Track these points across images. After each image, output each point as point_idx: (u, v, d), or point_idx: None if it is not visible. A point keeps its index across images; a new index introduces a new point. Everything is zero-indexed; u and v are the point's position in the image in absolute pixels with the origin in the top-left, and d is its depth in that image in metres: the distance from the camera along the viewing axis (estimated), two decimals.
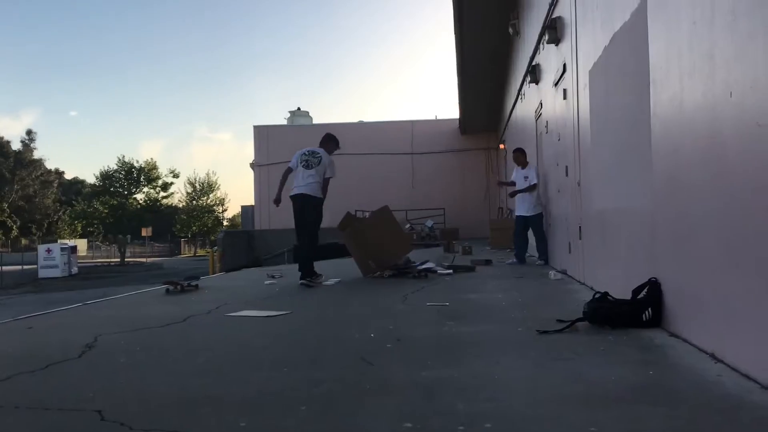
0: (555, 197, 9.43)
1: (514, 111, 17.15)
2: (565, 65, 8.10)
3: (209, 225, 65.10)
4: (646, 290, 4.30)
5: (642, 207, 4.64)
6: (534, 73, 11.23)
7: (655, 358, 3.45)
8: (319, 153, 8.63)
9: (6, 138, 61.86)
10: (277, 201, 8.68)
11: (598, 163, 6.32)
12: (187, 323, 5.28)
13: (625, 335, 4.02)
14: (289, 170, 8.72)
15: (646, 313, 4.22)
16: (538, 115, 11.33)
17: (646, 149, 4.46)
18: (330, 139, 8.96)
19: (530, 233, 11.00)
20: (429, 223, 24.79)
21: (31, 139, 64.86)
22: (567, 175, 8.05)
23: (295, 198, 8.47)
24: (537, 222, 10.67)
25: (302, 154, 8.65)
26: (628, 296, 4.39)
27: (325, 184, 8.48)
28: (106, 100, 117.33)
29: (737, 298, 3.06)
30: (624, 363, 3.34)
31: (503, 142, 22.70)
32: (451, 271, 9.38)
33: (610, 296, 4.48)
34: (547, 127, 10.13)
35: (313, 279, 8.21)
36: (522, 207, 10.83)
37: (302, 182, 8.41)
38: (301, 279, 8.21)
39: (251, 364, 3.65)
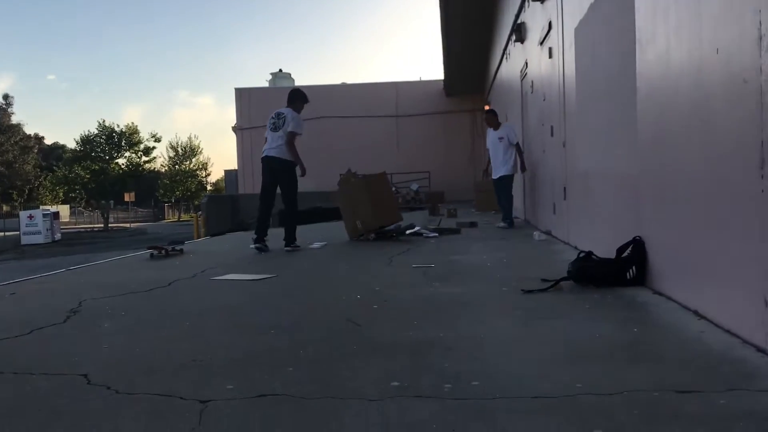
0: (540, 158, 9.44)
1: (499, 71, 17.04)
2: (550, 23, 8.03)
3: (193, 190, 64.60)
4: (630, 249, 4.34)
5: (627, 167, 4.65)
6: (519, 32, 11.13)
7: (640, 315, 3.49)
8: (284, 113, 8.36)
9: None
10: (303, 171, 8.31)
11: (583, 124, 6.31)
12: (171, 287, 5.27)
13: (610, 294, 4.06)
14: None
15: (631, 271, 4.26)
16: (524, 75, 11.27)
17: (631, 109, 4.45)
18: (296, 96, 8.61)
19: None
20: (414, 186, 24.76)
21: (9, 104, 63.76)
22: (552, 135, 8.04)
23: (263, 160, 8.36)
24: (507, 183, 10.34)
25: (270, 118, 8.51)
26: (612, 256, 4.43)
27: (289, 139, 8.16)
28: (84, 64, 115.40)
29: (720, 257, 3.08)
30: (609, 321, 3.38)
31: (489, 103, 22.57)
32: (436, 233, 9.39)
33: (595, 255, 4.51)
34: (532, 86, 10.08)
35: (294, 246, 8.15)
36: (495, 166, 10.44)
37: (271, 145, 8.26)
38: (286, 246, 8.13)
39: (237, 327, 3.65)
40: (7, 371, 2.87)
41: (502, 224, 10.23)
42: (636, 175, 4.41)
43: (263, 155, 8.35)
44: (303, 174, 8.29)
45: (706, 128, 3.19)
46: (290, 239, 8.22)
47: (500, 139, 10.28)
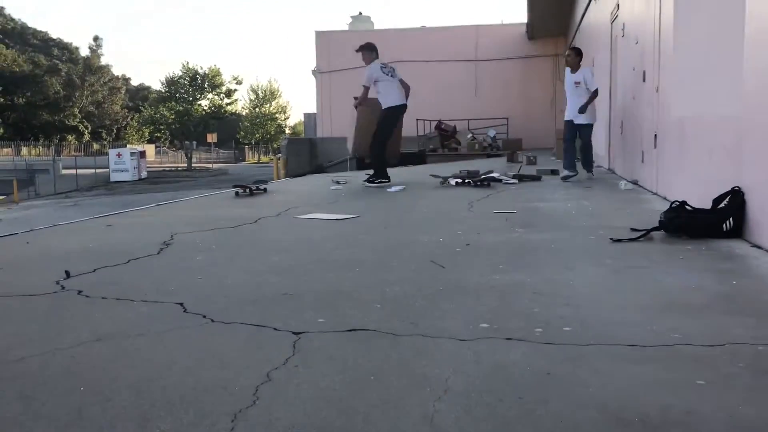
0: (629, 104, 9.06)
1: (586, 14, 16.33)
2: None
3: (272, 132, 65.62)
4: (727, 200, 4.13)
5: (729, 112, 4.39)
6: None
7: (739, 267, 3.34)
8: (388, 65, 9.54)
9: (75, 44, 62.78)
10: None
11: (680, 67, 5.98)
12: (258, 224, 5.38)
13: (704, 245, 3.90)
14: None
15: (727, 222, 4.06)
16: (614, 18, 10.76)
17: (737, 52, 4.17)
18: (363, 48, 9.58)
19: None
20: (492, 132, 24.28)
21: (98, 45, 65.80)
22: (644, 80, 7.68)
23: (403, 107, 9.47)
24: (589, 131, 9.56)
25: (381, 67, 9.34)
26: (707, 206, 4.23)
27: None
28: (167, 8, 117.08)
29: None
30: (705, 272, 3.25)
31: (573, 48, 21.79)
32: (516, 180, 9.21)
33: (688, 205, 4.32)
34: (623, 29, 9.62)
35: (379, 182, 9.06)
36: (574, 111, 9.37)
37: (399, 90, 9.36)
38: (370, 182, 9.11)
39: (323, 264, 3.70)
40: (110, 297, 3.00)
41: (565, 172, 9.45)
42: (738, 121, 4.16)
43: (402, 102, 9.45)
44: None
45: None
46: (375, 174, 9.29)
47: (576, 83, 9.32)
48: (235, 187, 8.32)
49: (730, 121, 4.35)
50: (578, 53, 9.71)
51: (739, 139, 4.17)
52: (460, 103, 27.56)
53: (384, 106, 9.23)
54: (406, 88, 9.48)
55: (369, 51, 9.44)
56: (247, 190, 8.12)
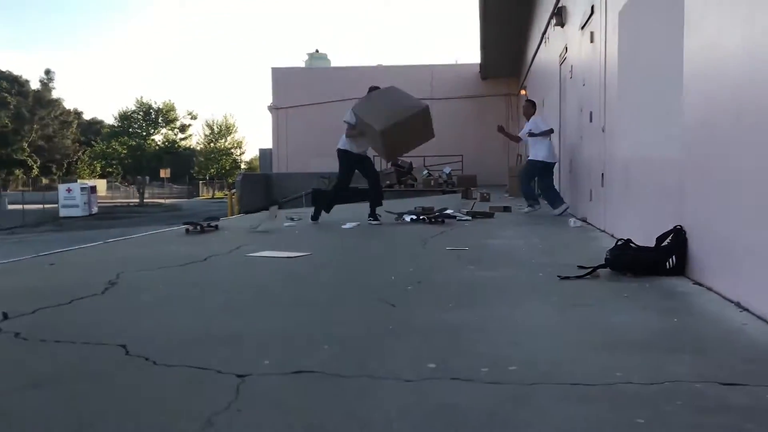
0: (578, 144, 9.29)
1: (537, 55, 16.79)
2: (593, 7, 7.86)
3: (227, 168, 65.19)
4: (670, 238, 4.24)
5: (670, 154, 4.54)
6: (560, 16, 10.94)
7: (680, 305, 3.42)
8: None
9: (24, 77, 61.70)
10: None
11: (624, 109, 6.18)
12: (207, 263, 5.31)
13: (648, 282, 3.99)
14: None
15: (671, 260, 4.17)
16: (563, 60, 11.08)
17: (676, 95, 4.34)
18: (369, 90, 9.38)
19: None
20: (447, 169, 24.57)
21: (50, 79, 64.69)
22: (591, 121, 7.89)
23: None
24: (528, 165, 10.29)
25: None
26: (651, 244, 4.34)
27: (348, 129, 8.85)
28: (121, 41, 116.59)
29: (766, 248, 2.99)
30: (648, 309, 3.32)
31: (524, 88, 22.29)
32: (469, 217, 9.33)
33: (633, 243, 4.43)
34: (571, 71, 9.91)
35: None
36: (533, 153, 10.09)
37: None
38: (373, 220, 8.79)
39: (272, 303, 3.67)
40: (48, 339, 2.91)
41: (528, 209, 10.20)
42: (680, 163, 4.31)
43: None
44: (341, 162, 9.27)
45: (757, 115, 3.09)
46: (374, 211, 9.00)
47: (530, 132, 10.00)
48: (186, 224, 8.21)
49: (672, 161, 4.50)
50: (533, 105, 10.70)
51: (681, 180, 4.31)
52: None
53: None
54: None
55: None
56: (198, 227, 8.02)
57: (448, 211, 9.44)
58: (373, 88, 9.32)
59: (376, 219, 8.87)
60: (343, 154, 9.03)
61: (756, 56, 3.10)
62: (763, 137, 3.03)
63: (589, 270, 4.29)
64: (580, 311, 3.34)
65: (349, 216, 9.55)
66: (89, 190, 33.60)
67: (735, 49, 3.36)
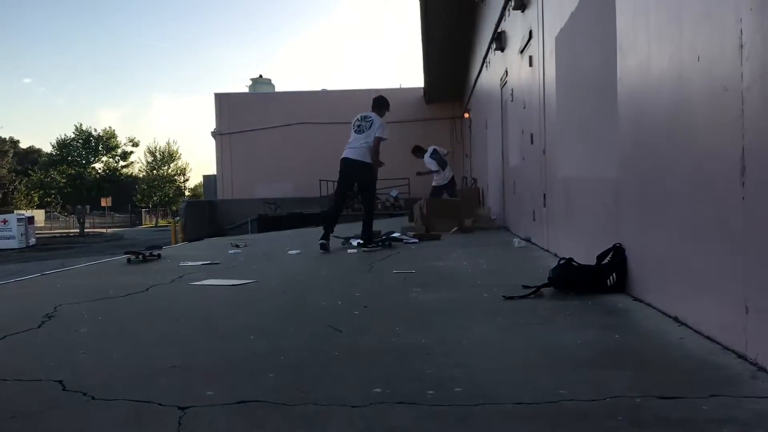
0: (520, 165, 9.48)
1: (479, 79, 17.11)
2: (531, 32, 8.07)
3: (170, 195, 64.21)
4: (610, 256, 4.35)
5: (607, 174, 4.68)
6: (499, 41, 11.18)
7: (620, 321, 3.50)
8: (370, 117, 8.77)
9: None
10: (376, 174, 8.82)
11: (563, 131, 6.34)
12: (149, 293, 5.20)
13: (590, 300, 4.07)
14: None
15: (611, 278, 4.27)
16: (504, 83, 11.32)
17: (611, 116, 4.48)
18: (381, 103, 9.09)
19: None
20: (394, 192, 24.77)
21: None
22: (532, 143, 8.07)
23: (343, 162, 8.66)
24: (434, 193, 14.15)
25: (355, 120, 8.83)
26: (592, 262, 4.44)
27: (375, 145, 8.53)
28: (60, 68, 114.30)
29: (701, 264, 3.10)
30: (590, 327, 3.38)
31: (468, 111, 22.69)
32: (416, 240, 9.39)
33: (575, 262, 4.52)
34: (512, 94, 10.13)
35: (372, 246, 8.38)
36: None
37: (353, 145, 8.61)
38: (365, 246, 8.37)
39: (216, 332, 3.61)
40: None
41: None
42: (616, 182, 4.44)
43: (343, 156, 8.65)
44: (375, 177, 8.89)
45: (687, 135, 3.21)
46: (368, 239, 8.54)
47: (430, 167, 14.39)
48: (128, 253, 8.04)
49: (609, 181, 4.63)
50: (419, 148, 15.30)
51: (618, 198, 4.43)
52: None
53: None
54: (375, 141, 8.58)
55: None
56: (140, 256, 7.87)
57: (395, 234, 9.48)
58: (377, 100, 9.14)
59: (370, 243, 8.44)
60: (360, 166, 8.53)
61: (684, 76, 3.23)
62: (691, 155, 3.15)
63: (533, 289, 4.35)
64: (524, 330, 3.38)
65: (295, 242, 9.49)
66: (26, 220, 32.55)
67: (665, 70, 3.50)
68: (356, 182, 8.75)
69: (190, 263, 7.38)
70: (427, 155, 14.72)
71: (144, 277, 6.22)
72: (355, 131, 8.74)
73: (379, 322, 3.71)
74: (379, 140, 8.55)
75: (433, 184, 14.70)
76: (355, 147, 8.59)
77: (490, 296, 4.41)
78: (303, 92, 33.34)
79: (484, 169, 16.22)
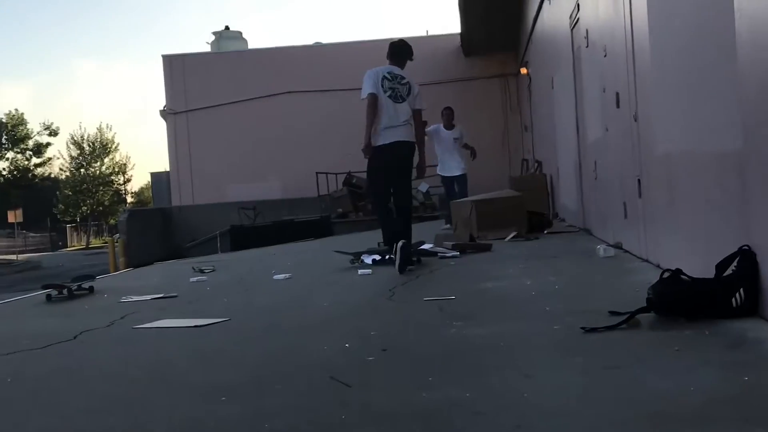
0: (602, 139, 9.45)
1: (539, 18, 17.12)
2: None
3: (106, 203, 64.71)
4: (735, 264, 4.32)
5: (727, 145, 4.65)
6: None
7: (752, 358, 3.48)
8: (405, 78, 8.67)
9: None
10: (368, 149, 8.44)
11: (661, 86, 6.32)
12: (78, 342, 5.27)
13: (707, 328, 4.05)
14: (374, 98, 8.44)
15: (737, 295, 4.24)
16: (574, 22, 11.32)
17: (729, 62, 4.45)
18: (401, 50, 8.96)
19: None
20: (423, 186, 24.78)
21: None
22: (618, 105, 8.06)
23: (395, 146, 8.40)
24: (465, 182, 14.91)
25: (383, 79, 8.55)
26: (710, 274, 4.42)
27: (418, 120, 8.66)
28: None
29: None
30: (707, 367, 3.37)
31: (526, 65, 22.69)
32: (457, 252, 9.40)
33: (684, 275, 4.50)
34: (587, 38, 10.12)
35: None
36: (451, 165, 14.91)
37: (399, 122, 8.44)
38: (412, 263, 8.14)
39: (173, 393, 3.64)
40: None
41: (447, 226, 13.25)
42: (740, 156, 4.40)
43: (393, 140, 8.37)
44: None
45: None
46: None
47: (455, 139, 14.83)
48: (47, 288, 8.13)
49: (730, 155, 4.60)
50: (453, 111, 15.16)
51: (743, 180, 4.40)
52: None
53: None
54: (417, 120, 8.74)
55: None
56: (65, 291, 7.96)
57: (426, 246, 9.50)
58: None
59: (407, 260, 7.92)
60: (410, 149, 8.58)
61: None
62: None
63: (626, 316, 4.34)
64: (613, 376, 3.37)
65: (283, 262, 9.54)
66: None
67: None
68: (403, 173, 8.67)
69: (135, 298, 7.44)
70: (463, 128, 15.47)
71: (71, 320, 6.30)
72: (391, 99, 8.48)
73: (403, 371, 3.72)
74: (420, 113, 8.68)
75: (462, 172, 15.12)
76: (404, 124, 8.49)
77: (564, 328, 4.41)
78: (289, 48, 33.52)
79: (551, 148, 16.24)
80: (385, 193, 8.67)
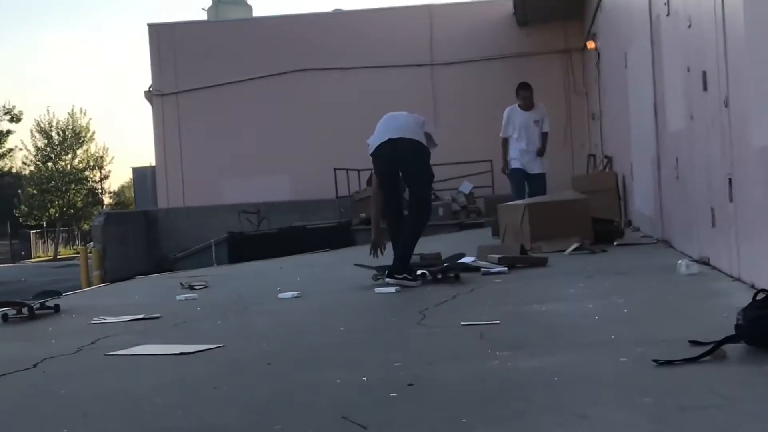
0: (685, 128, 9.41)
1: None
2: None
3: (78, 204, 65.04)
4: None
5: None
6: None
7: None
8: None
9: None
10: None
11: (760, 65, 6.28)
12: (39, 370, 5.31)
13: None
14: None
15: None
16: None
17: None
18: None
19: None
20: (466, 187, 24.79)
21: None
22: (705, 88, 8.01)
23: (383, 147, 9.25)
24: (543, 182, 14.36)
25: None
26: None
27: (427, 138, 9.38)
28: None
29: None
30: None
31: (593, 38, 22.62)
32: (504, 267, 9.38)
33: None
34: (668, 4, 10.08)
35: (404, 278, 8.59)
36: (529, 158, 14.31)
37: (392, 124, 9.37)
38: (392, 276, 8.60)
39: None
40: None
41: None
42: None
43: (385, 139, 9.18)
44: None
45: None
46: (404, 261, 8.86)
47: (536, 122, 14.31)
48: (3, 306, 8.20)
49: None
50: (531, 88, 14.57)
51: None
52: None
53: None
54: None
55: None
56: (25, 310, 8.01)
57: (466, 260, 9.49)
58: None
59: (407, 275, 8.71)
60: (413, 148, 9.23)
61: None
62: None
63: (710, 347, 4.32)
64: (692, 420, 3.36)
65: (293, 278, 9.55)
66: None
67: None
68: (405, 172, 9.33)
69: (109, 319, 7.48)
70: (543, 108, 14.99)
71: (31, 344, 6.35)
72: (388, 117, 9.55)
73: (432, 410, 3.72)
74: (430, 138, 9.42)
75: (541, 170, 14.62)
76: (398, 126, 9.25)
77: (632, 361, 4.39)
78: (302, 16, 33.59)
79: (625, 141, 16.16)
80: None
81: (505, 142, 14.46)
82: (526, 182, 14.31)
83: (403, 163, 9.12)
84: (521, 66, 29.92)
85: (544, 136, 14.41)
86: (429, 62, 30.70)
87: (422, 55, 30.65)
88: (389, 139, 9.11)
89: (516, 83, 30.10)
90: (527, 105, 14.41)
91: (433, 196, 23.46)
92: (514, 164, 14.36)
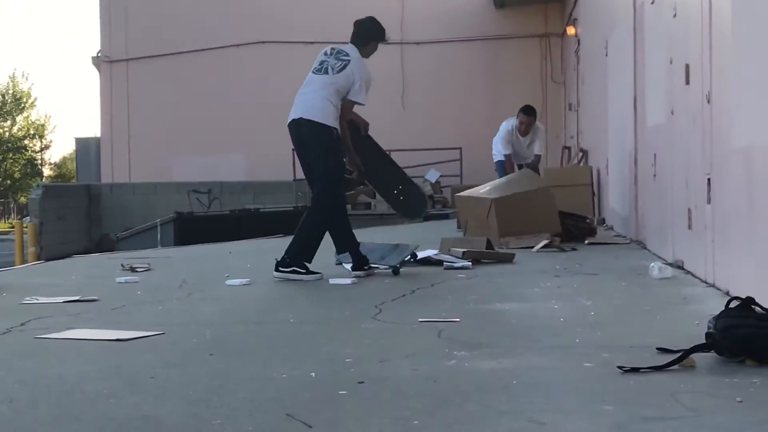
0: (664, 123, 9.45)
1: None
2: None
3: (16, 175, 64.58)
4: None
5: None
6: None
7: None
8: (347, 53, 9.29)
9: None
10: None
11: (744, 60, 6.32)
12: None
13: None
14: None
15: None
16: None
17: None
18: (366, 30, 9.67)
19: None
20: (432, 175, 24.79)
21: None
22: (688, 82, 8.05)
23: (290, 127, 9.34)
24: (537, 163, 15.37)
25: (323, 54, 9.49)
26: None
27: (346, 108, 9.23)
28: None
29: None
30: None
31: (574, 23, 22.67)
32: (468, 262, 9.40)
33: (758, 305, 4.52)
34: None
35: (292, 271, 8.51)
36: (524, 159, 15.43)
37: (305, 97, 9.24)
38: (277, 269, 8.53)
39: (84, 427, 3.65)
40: None
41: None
42: None
43: (290, 118, 9.27)
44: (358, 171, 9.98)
45: None
46: (296, 257, 8.63)
47: (528, 145, 15.40)
48: None
49: None
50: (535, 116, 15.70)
51: None
52: (375, 122, 28.00)
53: None
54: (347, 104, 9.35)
55: None
56: None
57: (429, 253, 9.50)
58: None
59: (362, 266, 8.82)
60: (311, 129, 9.13)
61: None
62: None
63: (678, 355, 4.36)
64: (655, 430, 3.39)
65: (243, 264, 9.53)
66: None
67: None
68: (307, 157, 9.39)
69: (42, 300, 7.44)
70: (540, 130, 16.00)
71: None
72: (314, 71, 9.40)
73: (382, 411, 3.73)
74: (352, 105, 9.31)
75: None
76: (308, 101, 9.15)
77: (597, 366, 4.42)
78: None
79: (602, 134, 16.22)
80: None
81: (509, 157, 15.25)
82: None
83: (304, 150, 9.28)
84: (497, 49, 30.00)
85: (536, 158, 15.46)
86: (399, 41, 30.59)
87: (391, 32, 30.37)
88: (292, 120, 9.20)
89: (496, 72, 30.43)
90: (525, 131, 15.33)
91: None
92: (498, 158, 15.52)
